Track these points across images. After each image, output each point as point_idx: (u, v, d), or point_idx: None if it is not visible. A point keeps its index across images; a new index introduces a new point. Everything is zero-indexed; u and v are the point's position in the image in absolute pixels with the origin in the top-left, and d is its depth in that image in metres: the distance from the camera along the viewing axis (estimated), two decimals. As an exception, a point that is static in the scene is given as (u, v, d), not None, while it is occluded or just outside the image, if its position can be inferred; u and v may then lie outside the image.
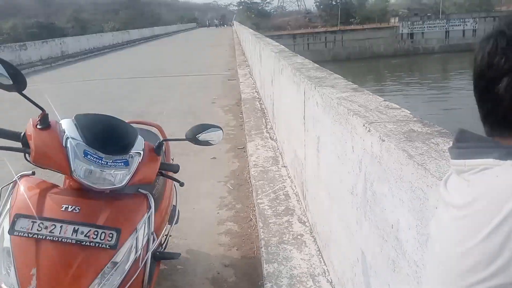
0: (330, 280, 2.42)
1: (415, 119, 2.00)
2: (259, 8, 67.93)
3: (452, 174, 0.87)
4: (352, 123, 2.13)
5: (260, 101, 7.82)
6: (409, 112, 2.14)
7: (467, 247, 0.73)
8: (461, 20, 47.69)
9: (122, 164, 1.78)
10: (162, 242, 2.47)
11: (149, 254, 1.80)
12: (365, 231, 1.91)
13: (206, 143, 2.09)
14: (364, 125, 1.96)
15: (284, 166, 4.36)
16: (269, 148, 4.99)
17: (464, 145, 0.85)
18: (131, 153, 1.82)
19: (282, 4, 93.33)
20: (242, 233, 3.36)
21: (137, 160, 1.83)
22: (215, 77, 12.32)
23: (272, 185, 3.89)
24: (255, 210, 3.53)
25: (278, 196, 3.64)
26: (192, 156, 5.04)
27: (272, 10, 72.07)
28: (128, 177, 1.78)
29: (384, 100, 2.42)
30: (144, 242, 1.79)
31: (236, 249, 3.11)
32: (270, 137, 5.43)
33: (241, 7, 72.28)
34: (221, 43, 28.14)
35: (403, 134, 1.77)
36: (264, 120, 6.36)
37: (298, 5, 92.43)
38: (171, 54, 22.32)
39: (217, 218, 3.64)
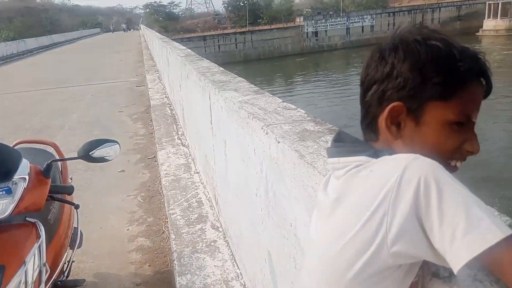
0: (243, 283, 2.43)
1: (308, 118, 2.08)
2: (167, 10, 66.57)
3: (331, 176, 0.91)
4: (253, 126, 2.16)
5: (170, 106, 7.66)
6: (304, 112, 2.22)
7: (346, 240, 0.77)
8: (360, 17, 51.12)
9: (4, 192, 1.62)
10: (64, 270, 2.30)
11: (42, 286, 1.66)
12: (270, 231, 1.94)
13: (102, 159, 1.98)
14: (262, 128, 1.99)
15: (197, 172, 4.31)
16: (181, 155, 4.90)
17: (340, 145, 0.90)
18: (14, 179, 1.66)
19: (190, 6, 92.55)
20: (155, 247, 3.25)
21: (21, 186, 1.68)
22: (122, 84, 11.85)
23: (184, 193, 3.81)
24: (167, 222, 3.44)
25: (191, 204, 3.58)
26: (98, 171, 4.77)
27: (180, 13, 71.01)
28: (12, 206, 1.63)
29: (283, 101, 2.48)
30: (36, 275, 1.64)
31: (149, 265, 2.99)
32: (182, 144, 5.34)
33: (147, 10, 70.30)
34: (128, 48, 27.15)
35: (297, 134, 1.82)
36: (175, 126, 6.24)
37: (207, 7, 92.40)
38: (73, 62, 21.03)
39: (127, 234, 3.48)
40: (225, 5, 62.37)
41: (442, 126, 0.77)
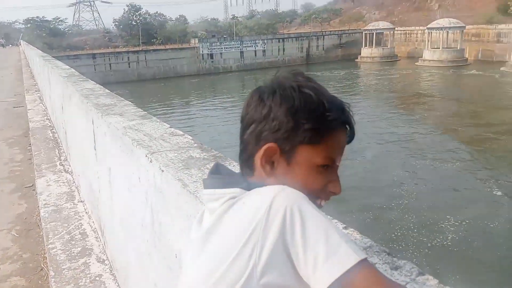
0: (131, 320, 2.30)
1: (195, 145, 2.07)
2: (51, 26, 62.06)
3: (205, 210, 0.91)
4: (137, 153, 2.09)
5: (52, 129, 7.08)
6: (191, 138, 2.21)
7: (217, 276, 0.76)
8: (253, 42, 53.29)
9: None
10: None
11: None
12: (156, 263, 1.88)
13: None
14: (146, 156, 1.93)
15: (81, 201, 4.02)
16: (63, 182, 4.53)
17: (217, 177, 0.91)
18: None
19: (77, 22, 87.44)
20: (31, 287, 2.93)
21: None
22: (-3, 105, 10.68)
23: (66, 225, 3.52)
24: (46, 257, 3.13)
25: (73, 237, 3.31)
26: (-38, 205, 4.21)
27: (66, 29, 66.67)
28: None
29: (170, 127, 2.45)
30: None
31: (23, 309, 2.68)
32: (65, 170, 4.95)
33: (29, 26, 64.83)
34: (6, 66, 24.68)
35: (182, 162, 1.80)
36: (57, 151, 5.77)
37: (96, 24, 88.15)
38: None
39: (-2, 275, 3.09)
40: (116, 23, 60.36)
41: (310, 168, 0.83)
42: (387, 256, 1.07)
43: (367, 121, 21.43)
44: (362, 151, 15.70)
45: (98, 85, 4.41)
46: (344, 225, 1.25)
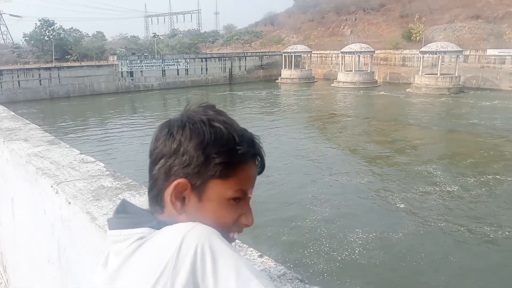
0: None
1: (107, 172, 1.99)
2: (-50, 39, 56.48)
3: (110, 252, 0.86)
4: (42, 183, 1.95)
5: None
6: (103, 165, 2.12)
7: None
8: (175, 60, 52.79)
9: None
10: None
11: None
12: (64, 303, 1.75)
13: None
14: (52, 186, 1.82)
15: (-20, 234, 3.64)
16: (-41, 214, 4.07)
17: (123, 216, 0.86)
18: None
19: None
20: None
21: None
22: None
23: (-39, 262, 3.15)
24: None
25: (-30, 275, 2.97)
26: None
27: (-32, 42, 61.11)
28: None
29: (80, 153, 2.33)
30: None
31: None
32: (-39, 200, 4.46)
33: None
34: None
35: (92, 192, 1.71)
36: (-48, 178, 5.19)
37: (4, 39, 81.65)
38: None
39: None
40: (27, 38, 56.51)
41: (222, 202, 0.83)
42: (299, 283, 1.10)
43: (284, 140, 22.20)
44: (277, 169, 16.15)
45: (1, 106, 4.09)
46: (259, 253, 1.27)
